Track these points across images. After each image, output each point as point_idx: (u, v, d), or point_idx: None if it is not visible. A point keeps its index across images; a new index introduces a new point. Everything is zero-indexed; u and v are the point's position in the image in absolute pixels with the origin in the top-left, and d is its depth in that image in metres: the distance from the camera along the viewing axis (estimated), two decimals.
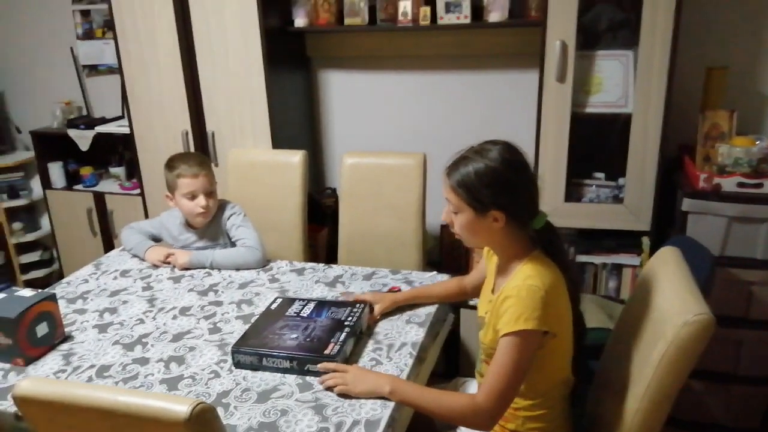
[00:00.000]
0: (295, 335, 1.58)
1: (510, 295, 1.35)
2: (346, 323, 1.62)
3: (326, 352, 1.51)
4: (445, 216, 1.47)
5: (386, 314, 1.78)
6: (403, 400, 1.41)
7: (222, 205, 2.24)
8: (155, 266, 2.16)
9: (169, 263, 2.15)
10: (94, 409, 1.01)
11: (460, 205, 1.40)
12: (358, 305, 1.71)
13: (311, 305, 1.73)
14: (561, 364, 1.48)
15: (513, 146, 1.41)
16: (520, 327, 1.31)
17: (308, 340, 1.56)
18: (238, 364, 1.54)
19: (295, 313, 1.70)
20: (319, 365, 1.48)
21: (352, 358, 1.57)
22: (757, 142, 2.15)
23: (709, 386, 2.28)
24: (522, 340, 1.32)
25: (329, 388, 1.44)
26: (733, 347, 2.23)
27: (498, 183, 1.36)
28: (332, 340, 1.55)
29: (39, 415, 1.08)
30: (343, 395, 1.42)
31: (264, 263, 2.14)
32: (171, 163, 2.16)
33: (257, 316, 1.73)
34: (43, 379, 1.09)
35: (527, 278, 1.35)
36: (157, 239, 2.29)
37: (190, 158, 2.17)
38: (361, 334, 1.67)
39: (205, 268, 2.12)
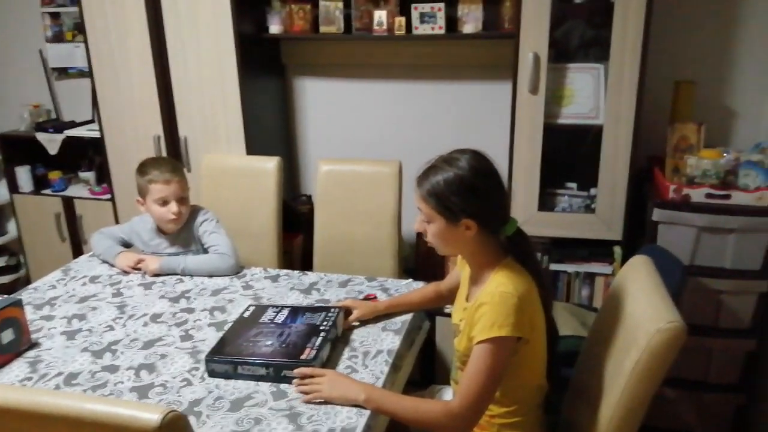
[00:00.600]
0: (270, 342, 1.56)
1: (484, 302, 1.35)
2: (321, 328, 1.61)
3: (303, 357, 1.49)
4: (417, 225, 1.47)
5: (362, 322, 1.77)
6: (378, 409, 1.40)
7: (194, 211, 2.21)
8: (125, 272, 2.11)
9: (139, 269, 2.11)
10: (61, 417, 0.98)
11: (431, 214, 1.41)
12: (333, 310, 1.70)
13: (285, 311, 1.72)
14: (535, 370, 1.49)
15: (481, 154, 1.42)
16: (495, 334, 1.32)
17: (284, 346, 1.54)
18: (212, 373, 1.51)
19: (269, 320, 1.68)
20: (295, 370, 1.46)
21: (328, 364, 1.56)
22: (725, 155, 2.20)
23: (681, 394, 2.32)
24: (496, 346, 1.33)
25: (302, 393, 1.43)
26: (703, 355, 2.27)
27: (467, 191, 1.37)
28: (308, 345, 1.53)
29: (3, 424, 1.04)
30: (316, 401, 1.41)
31: (237, 270, 2.12)
32: (143, 168, 2.13)
33: (230, 324, 1.70)
34: (7, 386, 1.05)
35: (500, 285, 1.36)
36: (127, 245, 2.25)
37: (163, 164, 2.13)
38: (337, 339, 1.66)
39: (176, 274, 2.08)
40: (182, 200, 2.12)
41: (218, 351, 1.53)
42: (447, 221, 1.39)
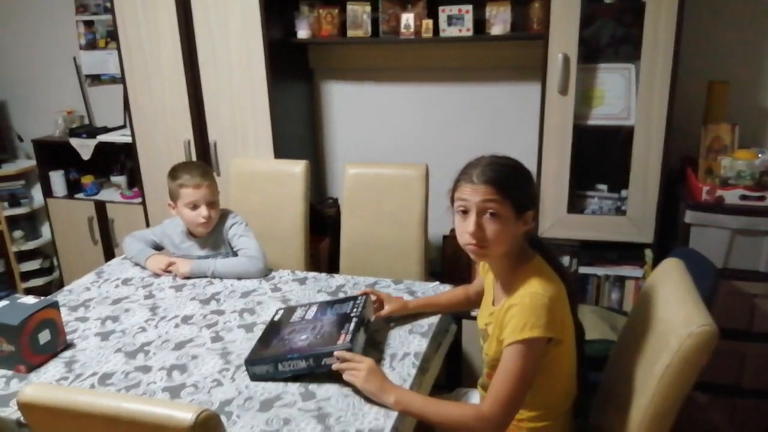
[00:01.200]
0: (304, 336, 1.56)
1: (514, 304, 1.35)
2: (352, 315, 1.61)
3: (339, 342, 1.49)
4: (473, 228, 1.37)
5: (390, 323, 1.77)
6: (408, 411, 1.40)
7: (224, 215, 2.24)
8: (156, 275, 2.15)
9: (170, 272, 2.14)
10: (99, 415, 1.01)
11: (502, 204, 1.35)
12: (360, 297, 1.70)
13: (314, 307, 1.73)
14: (565, 373, 1.47)
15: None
16: (526, 335, 1.30)
17: (319, 337, 1.54)
18: (254, 377, 1.51)
19: (299, 318, 1.68)
20: (336, 352, 1.46)
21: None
22: (760, 155, 2.16)
23: (713, 399, 2.28)
24: (527, 348, 1.31)
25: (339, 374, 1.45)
26: (737, 360, 2.22)
27: (530, 181, 1.43)
28: (342, 332, 1.53)
29: (43, 422, 1.08)
30: (346, 393, 1.43)
31: (265, 273, 2.14)
32: (174, 173, 2.17)
33: (260, 326, 1.72)
34: (47, 385, 1.08)
35: (530, 286, 1.36)
36: (159, 247, 2.29)
37: (193, 168, 2.17)
38: (369, 324, 1.66)
39: (206, 277, 2.12)
40: (212, 204, 2.15)
41: (256, 354, 1.54)
42: (515, 213, 1.36)
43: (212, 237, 2.22)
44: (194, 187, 2.10)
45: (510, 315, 1.34)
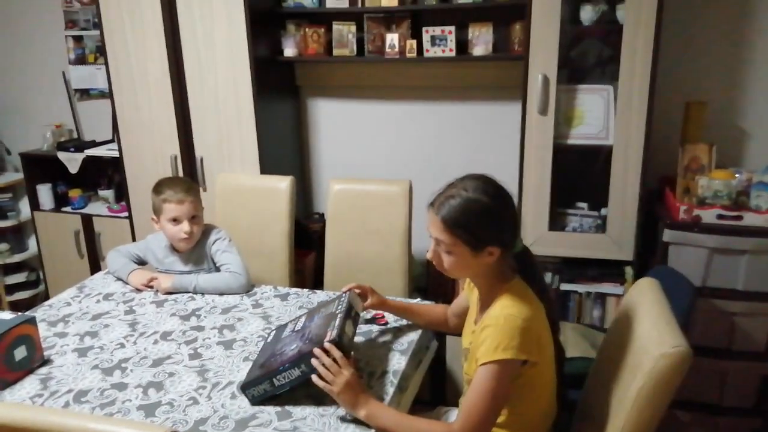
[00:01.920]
0: (293, 346, 1.54)
1: (488, 325, 1.35)
2: (338, 312, 1.59)
3: (327, 339, 1.46)
4: (431, 254, 1.44)
5: (368, 341, 1.78)
6: (379, 427, 1.40)
7: (207, 230, 2.25)
8: (138, 290, 2.15)
9: (152, 287, 2.14)
10: None
11: (454, 244, 1.38)
12: (344, 294, 1.69)
13: (302, 318, 1.71)
14: (543, 394, 1.48)
15: (493, 180, 1.42)
16: (498, 357, 1.31)
17: (308, 342, 1.52)
18: (254, 400, 1.50)
19: (290, 332, 1.67)
20: (325, 344, 1.44)
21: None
22: (737, 175, 2.19)
23: (695, 418, 2.29)
24: (500, 369, 1.32)
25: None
26: (717, 378, 2.24)
27: (492, 218, 1.37)
28: (329, 329, 1.51)
29: None
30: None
31: (248, 289, 2.14)
32: (158, 188, 2.18)
33: (241, 346, 1.72)
34: (13, 404, 1.08)
35: (505, 307, 1.36)
36: (142, 262, 2.29)
37: (177, 184, 2.18)
38: (358, 317, 1.65)
39: (188, 292, 2.12)
40: (195, 219, 2.16)
41: (251, 376, 1.53)
42: (471, 250, 1.37)
43: (195, 252, 2.22)
44: (177, 202, 2.11)
45: (484, 335, 1.35)
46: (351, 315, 1.60)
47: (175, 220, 2.13)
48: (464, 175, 1.44)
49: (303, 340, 1.55)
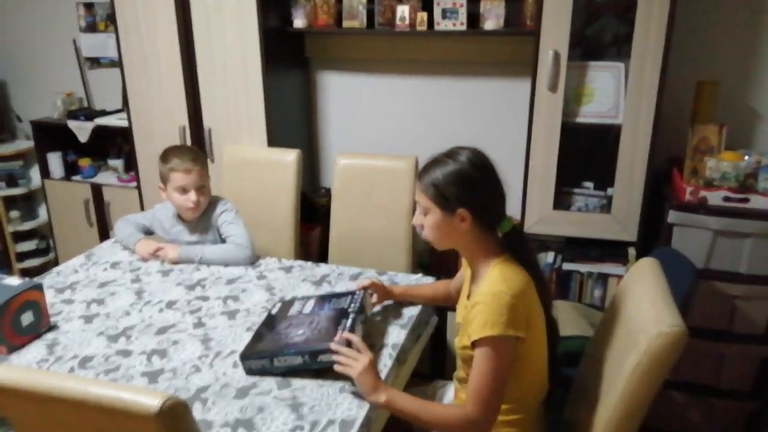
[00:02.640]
0: (301, 331, 1.56)
1: (478, 302, 1.38)
2: (349, 310, 1.61)
3: (336, 338, 1.49)
4: (415, 219, 1.52)
5: (369, 315, 1.80)
6: (398, 410, 1.43)
7: (214, 201, 2.27)
8: (144, 259, 2.18)
9: (158, 257, 2.17)
10: (66, 399, 1.03)
11: (428, 205, 1.45)
12: (357, 292, 1.71)
13: (311, 301, 1.73)
14: (535, 369, 1.50)
15: (481, 151, 1.47)
16: (488, 333, 1.34)
17: (315, 332, 1.54)
18: (250, 371, 1.53)
19: (297, 311, 1.69)
20: (332, 345, 1.46)
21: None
22: (746, 157, 2.16)
23: (690, 398, 2.30)
24: (494, 346, 1.35)
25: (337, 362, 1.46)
26: (715, 360, 2.25)
27: (463, 181, 1.42)
28: (339, 328, 1.53)
29: (11, 404, 1.10)
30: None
31: (253, 260, 2.17)
32: (165, 156, 2.18)
33: (244, 316, 1.75)
34: (17, 367, 1.11)
35: (493, 284, 1.38)
36: (149, 232, 2.32)
37: (184, 152, 2.18)
38: (366, 319, 1.67)
39: (194, 263, 2.14)
40: (201, 189, 2.17)
41: (252, 348, 1.55)
42: (443, 211, 1.43)
43: (201, 222, 2.24)
44: (184, 171, 2.13)
45: (474, 312, 1.37)
46: (360, 318, 1.61)
47: (183, 190, 2.14)
48: (456, 146, 1.48)
49: (311, 328, 1.57)
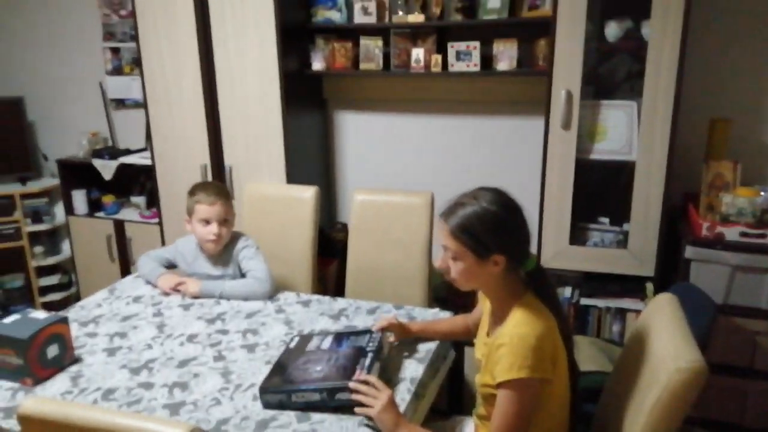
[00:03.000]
0: (319, 368, 1.56)
1: (503, 343, 1.37)
2: (368, 349, 1.61)
3: (354, 377, 1.49)
4: (441, 263, 1.48)
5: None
6: None
7: (236, 237, 2.31)
8: (166, 294, 2.22)
9: (179, 291, 2.21)
10: (93, 430, 1.05)
11: (460, 250, 1.41)
12: (376, 332, 1.71)
13: (330, 338, 1.73)
14: (557, 409, 1.48)
15: (504, 191, 1.45)
16: (514, 376, 1.33)
17: (334, 369, 1.54)
18: (267, 405, 1.53)
19: (315, 347, 1.69)
20: (351, 383, 1.45)
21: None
22: (762, 193, 2.18)
23: None
24: (520, 389, 1.34)
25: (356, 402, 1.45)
26: (738, 397, 2.21)
27: (499, 226, 1.39)
28: (358, 366, 1.53)
29: None
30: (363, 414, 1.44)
31: (272, 294, 2.19)
32: (193, 190, 2.27)
33: (264, 350, 1.76)
34: (45, 399, 1.13)
35: (518, 326, 1.38)
36: (172, 266, 2.36)
37: (210, 187, 2.26)
38: (384, 359, 1.66)
39: (214, 297, 2.18)
40: (224, 223, 2.23)
41: (270, 381, 1.56)
42: (477, 257, 1.40)
43: (223, 256, 2.29)
44: (209, 204, 2.19)
45: (499, 354, 1.37)
46: (379, 357, 1.61)
47: (206, 222, 2.20)
48: (476, 187, 1.47)
49: (329, 365, 1.57)
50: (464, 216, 1.40)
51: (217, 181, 2.39)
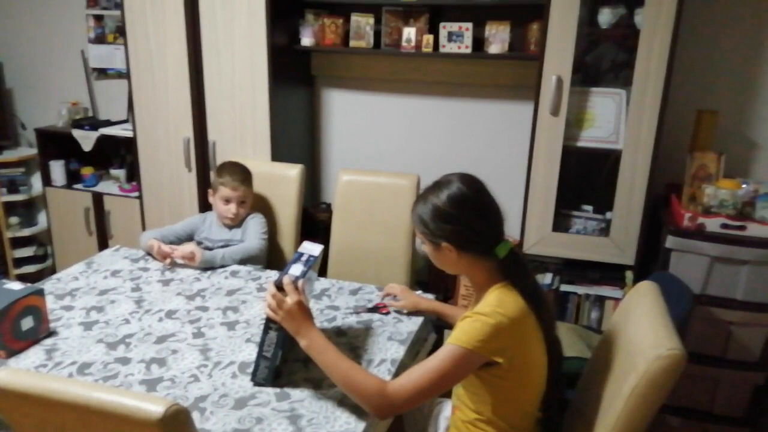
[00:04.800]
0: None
1: (468, 316, 1.40)
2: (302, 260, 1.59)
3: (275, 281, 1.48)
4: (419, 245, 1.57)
5: (369, 330, 1.81)
6: (316, 360, 1.45)
7: (251, 214, 2.50)
8: (163, 258, 2.23)
9: (166, 260, 2.23)
10: (68, 404, 1.02)
11: (420, 237, 1.53)
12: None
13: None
14: (530, 397, 1.49)
15: (466, 181, 1.47)
16: (459, 343, 1.35)
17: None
18: (266, 382, 1.52)
19: None
20: (269, 292, 1.47)
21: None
22: (744, 186, 2.20)
23: (685, 423, 2.31)
24: (460, 355, 1.35)
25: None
26: (710, 385, 2.26)
27: (440, 218, 1.45)
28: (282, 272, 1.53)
29: (13, 407, 1.09)
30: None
31: (260, 251, 2.35)
32: (221, 171, 2.45)
33: (244, 327, 1.77)
34: (19, 370, 1.10)
35: (486, 306, 1.39)
36: (187, 239, 2.44)
37: (237, 172, 2.44)
38: (311, 259, 1.62)
39: (215, 266, 2.22)
40: (242, 204, 2.44)
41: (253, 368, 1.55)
42: (431, 244, 1.50)
43: (238, 227, 2.47)
44: (232, 189, 2.40)
45: (461, 324, 1.40)
46: (303, 260, 1.59)
47: (227, 201, 2.41)
48: (449, 173, 1.51)
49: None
50: (418, 209, 1.50)
51: (243, 165, 2.45)
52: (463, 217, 1.46)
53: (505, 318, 1.37)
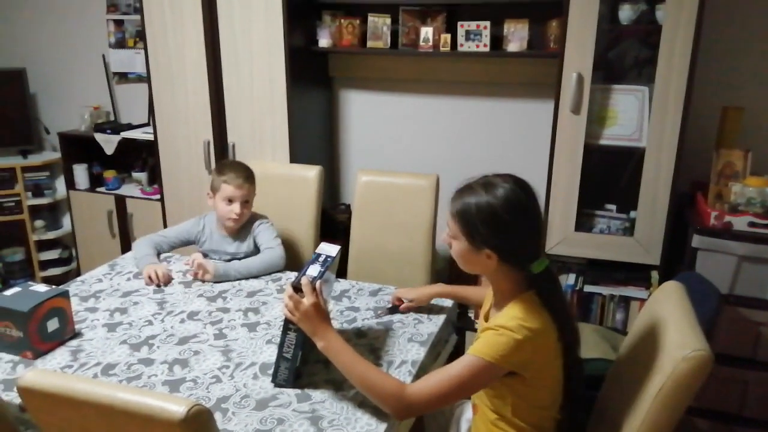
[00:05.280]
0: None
1: (490, 328, 1.36)
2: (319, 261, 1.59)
3: (293, 282, 1.48)
4: (444, 238, 1.48)
5: (389, 331, 1.80)
6: (334, 361, 1.44)
7: (255, 216, 2.36)
8: (149, 282, 2.10)
9: (151, 281, 2.11)
10: (93, 404, 1.04)
11: (456, 233, 1.42)
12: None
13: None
14: (549, 403, 1.47)
15: (522, 184, 1.38)
16: (482, 355, 1.32)
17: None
18: (286, 383, 1.52)
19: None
20: (287, 294, 1.46)
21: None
22: None
23: (713, 426, 2.26)
24: (480, 366, 1.33)
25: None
26: (739, 387, 2.21)
27: (494, 223, 1.35)
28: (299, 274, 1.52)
29: (40, 407, 1.11)
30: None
31: (283, 261, 2.24)
32: (221, 169, 2.29)
33: (265, 329, 1.77)
34: (46, 371, 1.12)
35: (510, 319, 1.35)
36: (181, 245, 2.36)
37: (240, 169, 2.29)
38: (328, 260, 1.61)
39: (230, 280, 2.13)
40: (245, 204, 2.28)
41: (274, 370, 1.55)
42: (470, 244, 1.40)
43: (240, 233, 2.32)
44: (236, 186, 2.24)
45: (483, 335, 1.37)
46: (320, 263, 1.57)
47: (230, 201, 2.24)
48: (498, 173, 1.41)
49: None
50: (467, 202, 1.38)
51: (244, 163, 2.39)
52: (517, 226, 1.36)
53: (531, 332, 1.33)
